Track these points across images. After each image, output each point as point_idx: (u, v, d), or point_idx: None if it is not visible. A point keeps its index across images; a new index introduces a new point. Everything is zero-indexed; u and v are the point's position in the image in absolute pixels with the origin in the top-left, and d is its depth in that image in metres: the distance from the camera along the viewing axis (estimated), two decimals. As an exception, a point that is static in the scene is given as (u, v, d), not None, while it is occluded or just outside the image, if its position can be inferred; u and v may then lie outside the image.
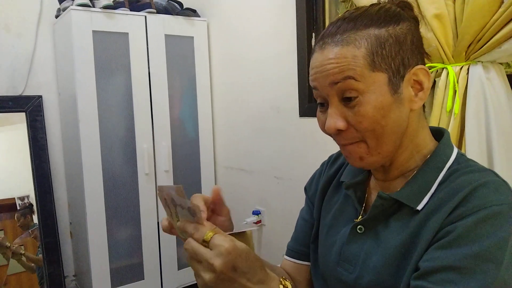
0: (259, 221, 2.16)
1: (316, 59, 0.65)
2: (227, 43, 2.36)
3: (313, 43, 1.84)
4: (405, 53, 0.63)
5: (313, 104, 1.83)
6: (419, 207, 0.64)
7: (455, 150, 0.69)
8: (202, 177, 2.49)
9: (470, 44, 1.13)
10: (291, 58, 1.89)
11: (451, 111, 1.16)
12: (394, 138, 0.64)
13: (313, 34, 1.85)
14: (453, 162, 0.66)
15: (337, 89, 0.62)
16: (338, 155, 0.86)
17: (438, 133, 0.72)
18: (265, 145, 2.12)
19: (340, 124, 0.63)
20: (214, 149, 2.54)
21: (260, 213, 2.16)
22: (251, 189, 2.25)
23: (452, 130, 1.15)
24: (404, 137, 0.66)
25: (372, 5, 0.66)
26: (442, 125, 1.18)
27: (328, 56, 0.62)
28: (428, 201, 0.64)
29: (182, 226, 0.60)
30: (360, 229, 0.70)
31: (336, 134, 0.66)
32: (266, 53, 2.05)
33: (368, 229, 0.70)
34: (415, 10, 0.68)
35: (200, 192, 2.45)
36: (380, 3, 0.67)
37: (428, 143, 0.70)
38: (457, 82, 1.16)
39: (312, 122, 1.82)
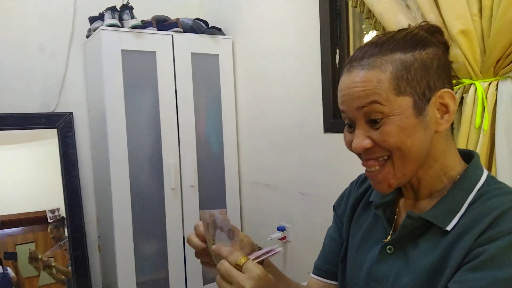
0: (284, 237, 2.15)
1: (344, 82, 0.67)
2: (251, 60, 2.39)
3: (337, 60, 1.85)
4: (431, 77, 0.64)
5: (338, 120, 1.83)
6: (449, 228, 0.64)
7: (485, 172, 0.69)
8: (227, 192, 2.51)
9: (499, 59, 1.11)
10: (316, 74, 1.90)
11: (480, 127, 1.14)
12: (419, 158, 0.65)
13: (337, 50, 1.86)
14: (483, 184, 0.66)
15: (363, 112, 0.65)
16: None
17: (468, 156, 0.72)
18: (289, 161, 2.13)
19: (366, 143, 0.65)
20: (238, 164, 2.56)
21: (285, 229, 2.15)
22: (276, 204, 2.25)
23: (482, 147, 1.13)
24: (429, 157, 0.67)
25: (400, 30, 0.67)
26: (471, 142, 1.16)
27: (354, 79, 0.65)
28: (457, 222, 0.64)
29: (217, 248, 0.66)
30: (389, 249, 0.70)
31: (363, 153, 0.67)
32: (290, 70, 2.07)
33: (397, 249, 0.70)
34: (446, 35, 0.69)
35: (225, 206, 2.48)
36: (408, 28, 0.68)
37: (457, 164, 0.70)
38: (486, 98, 1.14)
39: (337, 138, 1.82)
